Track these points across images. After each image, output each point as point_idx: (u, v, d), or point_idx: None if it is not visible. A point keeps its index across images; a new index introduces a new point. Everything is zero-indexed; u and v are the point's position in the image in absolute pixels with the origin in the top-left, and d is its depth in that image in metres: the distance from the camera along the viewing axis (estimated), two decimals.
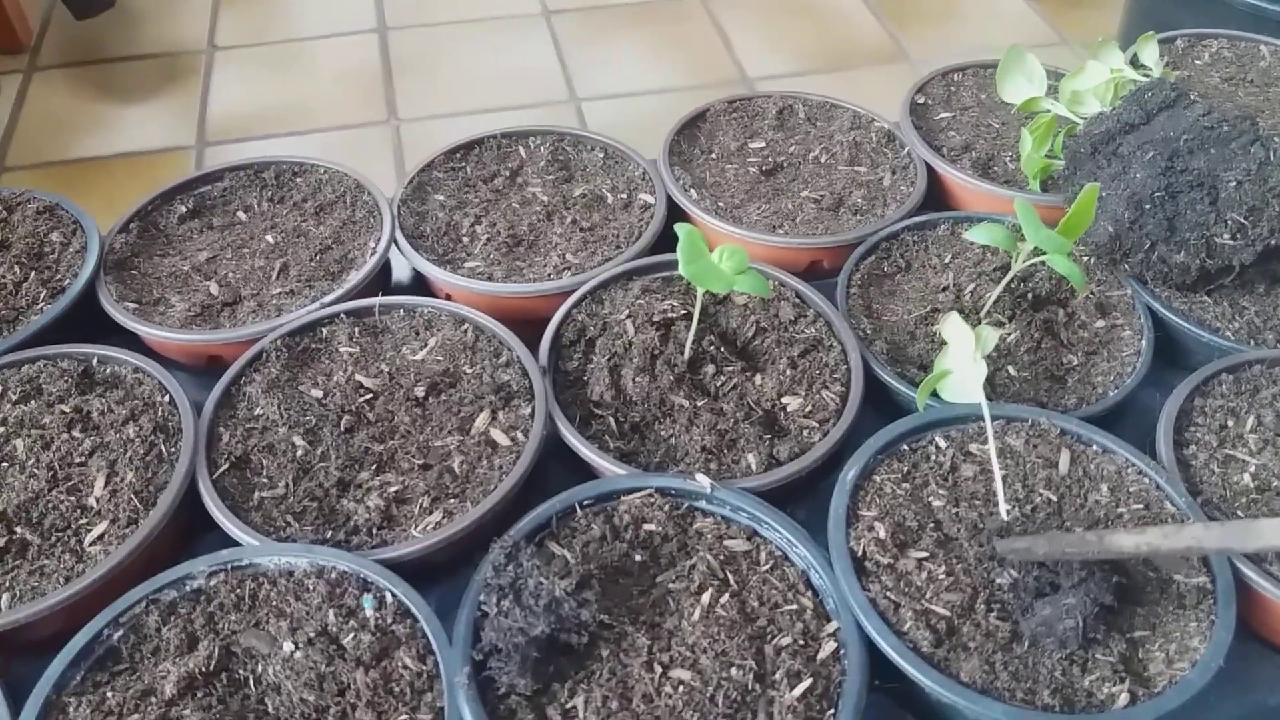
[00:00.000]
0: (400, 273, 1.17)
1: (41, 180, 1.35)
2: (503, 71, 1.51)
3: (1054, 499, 0.85)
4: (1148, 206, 1.00)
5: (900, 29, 1.63)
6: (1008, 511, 0.82)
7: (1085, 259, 1.07)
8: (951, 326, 0.90)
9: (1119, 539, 0.72)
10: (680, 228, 0.87)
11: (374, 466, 0.89)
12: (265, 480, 0.88)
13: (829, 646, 0.76)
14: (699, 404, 0.93)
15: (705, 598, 0.78)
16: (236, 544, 0.83)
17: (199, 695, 0.73)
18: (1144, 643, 0.77)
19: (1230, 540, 0.69)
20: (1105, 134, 1.06)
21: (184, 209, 1.17)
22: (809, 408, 0.94)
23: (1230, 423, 0.92)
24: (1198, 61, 1.41)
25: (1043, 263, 1.01)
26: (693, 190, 1.18)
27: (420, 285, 1.14)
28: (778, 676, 0.74)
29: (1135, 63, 1.22)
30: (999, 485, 0.83)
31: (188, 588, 0.79)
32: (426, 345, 0.99)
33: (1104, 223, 1.02)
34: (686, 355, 0.96)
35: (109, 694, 0.73)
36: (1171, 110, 1.04)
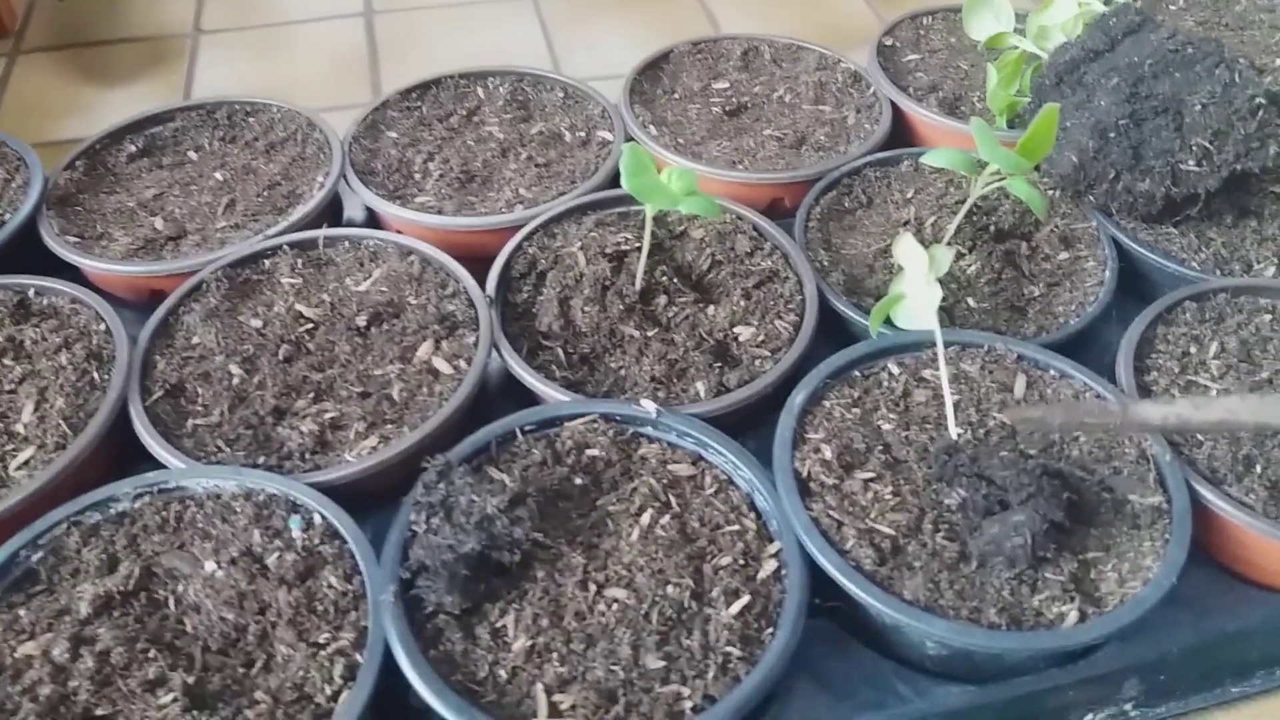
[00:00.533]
0: (353, 211, 1.15)
1: None
2: (489, 53, 1.50)
3: (1008, 422, 0.82)
4: (1112, 135, 0.98)
5: (889, 9, 1.61)
6: (959, 434, 0.80)
7: (1050, 192, 1.04)
8: (904, 249, 0.88)
9: (1145, 409, 0.69)
10: (625, 145, 0.85)
11: (311, 395, 0.87)
12: (200, 408, 0.86)
13: (770, 566, 0.74)
14: (649, 334, 0.91)
15: (645, 518, 0.76)
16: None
17: (115, 615, 0.71)
18: (1096, 563, 0.75)
19: (1268, 414, 0.66)
20: (1070, 62, 1.04)
21: (134, 148, 1.15)
22: (761, 337, 0.91)
23: (1193, 349, 0.90)
24: (1173, 6, 1.38)
25: (1006, 195, 0.99)
26: (652, 127, 1.16)
27: (373, 224, 1.12)
28: (715, 595, 0.72)
29: (1107, 2, 1.20)
30: (949, 407, 0.80)
31: (112, 510, 0.77)
32: (371, 276, 0.96)
33: (1068, 153, 1.00)
34: (638, 286, 0.94)
35: (22, 613, 0.71)
36: (1136, 35, 1.01)
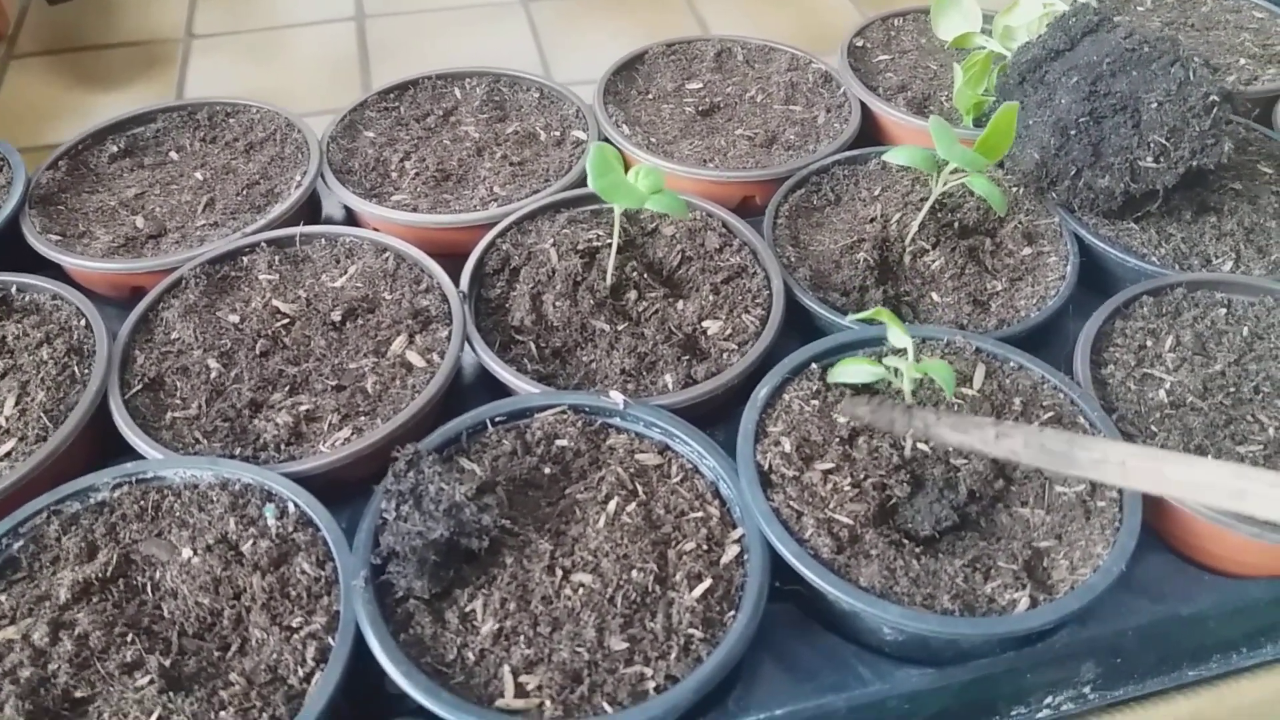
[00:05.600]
0: (331, 209, 1.17)
1: None
2: (479, 57, 1.51)
3: (966, 409, 0.84)
4: (1073, 132, 1.00)
5: (878, 15, 1.63)
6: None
7: (1014, 189, 1.07)
8: None
9: (942, 431, 0.72)
10: (592, 145, 0.87)
11: (287, 388, 0.89)
12: (178, 401, 0.88)
13: (732, 551, 0.76)
14: (620, 328, 0.93)
15: (611, 506, 0.78)
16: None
17: (94, 600, 0.72)
18: (1048, 552, 0.77)
19: (1047, 461, 0.66)
20: (1032, 62, 1.06)
21: (115, 148, 1.17)
22: (729, 331, 0.93)
23: (1150, 343, 0.92)
24: (1140, 8, 1.41)
25: (971, 193, 1.01)
26: (625, 127, 1.18)
27: (351, 222, 1.14)
28: (678, 579, 0.74)
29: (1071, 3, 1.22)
30: (907, 392, 0.83)
31: (91, 500, 0.79)
32: (346, 273, 0.98)
33: (1031, 150, 1.02)
34: (609, 282, 0.96)
35: (3, 599, 0.73)
36: (1095, 34, 1.03)
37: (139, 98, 1.44)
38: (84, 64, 1.54)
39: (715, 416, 0.90)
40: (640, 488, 0.80)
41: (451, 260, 0.99)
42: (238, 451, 0.83)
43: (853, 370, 0.84)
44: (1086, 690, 0.81)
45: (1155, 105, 0.97)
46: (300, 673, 0.68)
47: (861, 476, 0.79)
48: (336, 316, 0.93)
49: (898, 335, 0.81)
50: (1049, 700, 0.80)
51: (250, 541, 0.75)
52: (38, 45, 1.58)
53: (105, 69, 1.53)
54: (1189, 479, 0.60)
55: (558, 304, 0.94)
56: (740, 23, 1.62)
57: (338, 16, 1.66)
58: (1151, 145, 0.97)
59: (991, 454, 0.71)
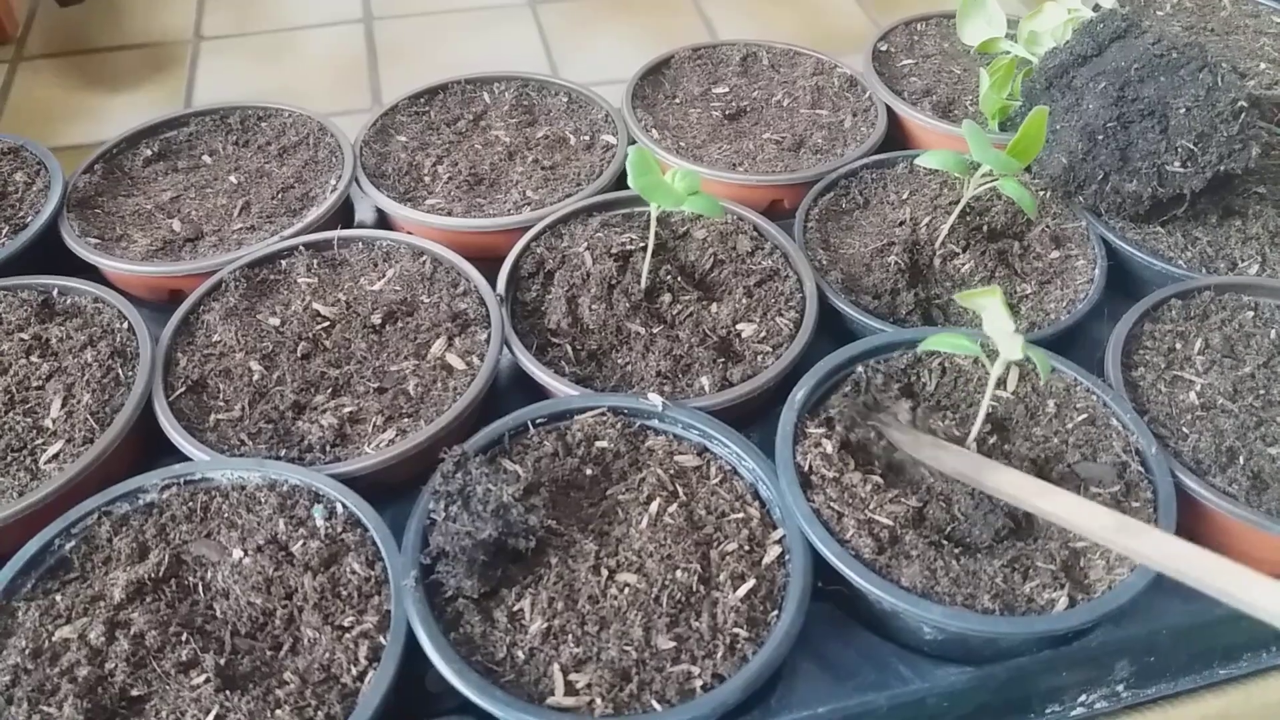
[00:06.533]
0: (364, 214, 1.18)
1: None
2: (488, 58, 1.53)
3: (1001, 412, 0.86)
4: (1100, 137, 1.01)
5: (884, 17, 1.65)
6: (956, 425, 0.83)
7: (1041, 192, 1.08)
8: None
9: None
10: (631, 147, 0.88)
11: (329, 390, 0.90)
12: (222, 403, 0.89)
13: (774, 552, 0.77)
14: (655, 331, 0.94)
15: (653, 507, 0.79)
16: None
17: (148, 600, 0.74)
18: (1085, 552, 0.78)
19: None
20: (1059, 67, 1.07)
21: (149, 152, 1.18)
22: (763, 334, 0.94)
23: (1179, 345, 0.93)
24: (1159, 12, 1.42)
25: (999, 196, 1.02)
26: (654, 131, 1.19)
27: (384, 226, 1.15)
28: (722, 579, 0.75)
29: (1097, 9, 1.23)
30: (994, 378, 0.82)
31: (140, 501, 0.80)
32: (384, 276, 0.99)
33: (1058, 155, 1.03)
34: (643, 285, 0.97)
35: (58, 599, 0.74)
36: (1123, 40, 1.04)
37: (148, 99, 1.45)
38: (93, 66, 1.55)
39: (750, 417, 0.91)
40: (680, 489, 0.81)
41: (485, 263, 1.01)
42: (282, 453, 0.84)
43: (949, 340, 0.81)
44: (1119, 688, 0.82)
45: (1183, 111, 0.98)
46: (353, 671, 0.70)
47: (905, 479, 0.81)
48: (376, 319, 0.94)
49: (1000, 317, 0.77)
50: (1083, 698, 0.81)
51: (300, 542, 0.76)
52: (47, 47, 1.59)
53: (114, 70, 1.54)
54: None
55: (593, 307, 0.95)
56: (746, 24, 1.63)
57: (346, 18, 1.67)
58: (1179, 150, 0.98)
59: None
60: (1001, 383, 0.88)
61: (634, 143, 1.17)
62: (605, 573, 0.75)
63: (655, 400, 0.86)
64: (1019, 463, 0.81)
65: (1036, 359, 0.77)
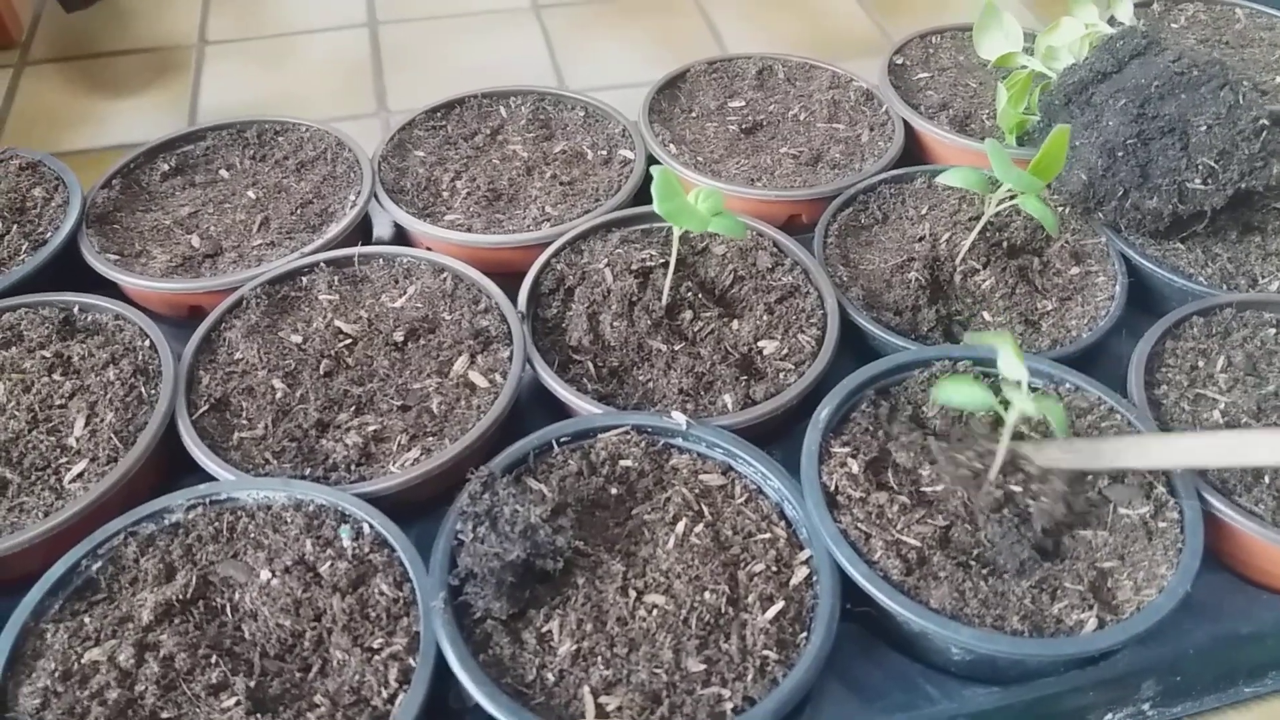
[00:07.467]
0: (382, 229, 1.18)
1: None
2: (492, 64, 1.53)
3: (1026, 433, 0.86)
4: (1120, 154, 1.01)
5: (889, 22, 1.65)
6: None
7: (1061, 209, 1.08)
8: None
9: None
10: (655, 169, 0.88)
11: (353, 408, 0.90)
12: (245, 421, 0.89)
13: (801, 573, 0.77)
14: (676, 348, 0.94)
15: (680, 527, 0.79)
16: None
17: (176, 621, 0.73)
18: (1113, 572, 0.78)
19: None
20: (1078, 83, 1.07)
21: (166, 167, 1.18)
22: (785, 351, 0.94)
23: (1201, 363, 0.93)
24: (1174, 25, 1.42)
25: (1018, 212, 1.02)
26: (672, 145, 1.19)
27: (402, 241, 1.15)
28: (750, 600, 0.75)
29: (1112, 23, 1.23)
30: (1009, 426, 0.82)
31: (166, 521, 0.80)
32: (405, 293, 0.99)
33: (1078, 171, 1.03)
34: (664, 301, 0.97)
35: (86, 620, 0.73)
36: (1143, 57, 1.05)
37: (153, 104, 1.45)
38: (97, 70, 1.55)
39: (773, 435, 0.91)
40: (706, 508, 0.81)
41: (504, 278, 1.01)
42: (307, 472, 0.84)
43: (962, 393, 0.80)
44: (1145, 707, 0.82)
45: (1205, 128, 0.98)
46: (384, 694, 0.69)
47: (930, 500, 0.81)
48: (398, 337, 0.94)
49: (1012, 365, 0.77)
50: (1109, 717, 0.81)
51: (328, 563, 0.76)
52: (51, 52, 1.59)
53: (119, 75, 1.53)
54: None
55: (615, 324, 0.95)
56: (751, 30, 1.63)
57: (350, 23, 1.67)
58: (1200, 167, 0.98)
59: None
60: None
61: (654, 161, 1.17)
62: (633, 594, 0.75)
63: (679, 418, 0.86)
64: (1055, 502, 0.81)
65: (1051, 415, 0.76)
